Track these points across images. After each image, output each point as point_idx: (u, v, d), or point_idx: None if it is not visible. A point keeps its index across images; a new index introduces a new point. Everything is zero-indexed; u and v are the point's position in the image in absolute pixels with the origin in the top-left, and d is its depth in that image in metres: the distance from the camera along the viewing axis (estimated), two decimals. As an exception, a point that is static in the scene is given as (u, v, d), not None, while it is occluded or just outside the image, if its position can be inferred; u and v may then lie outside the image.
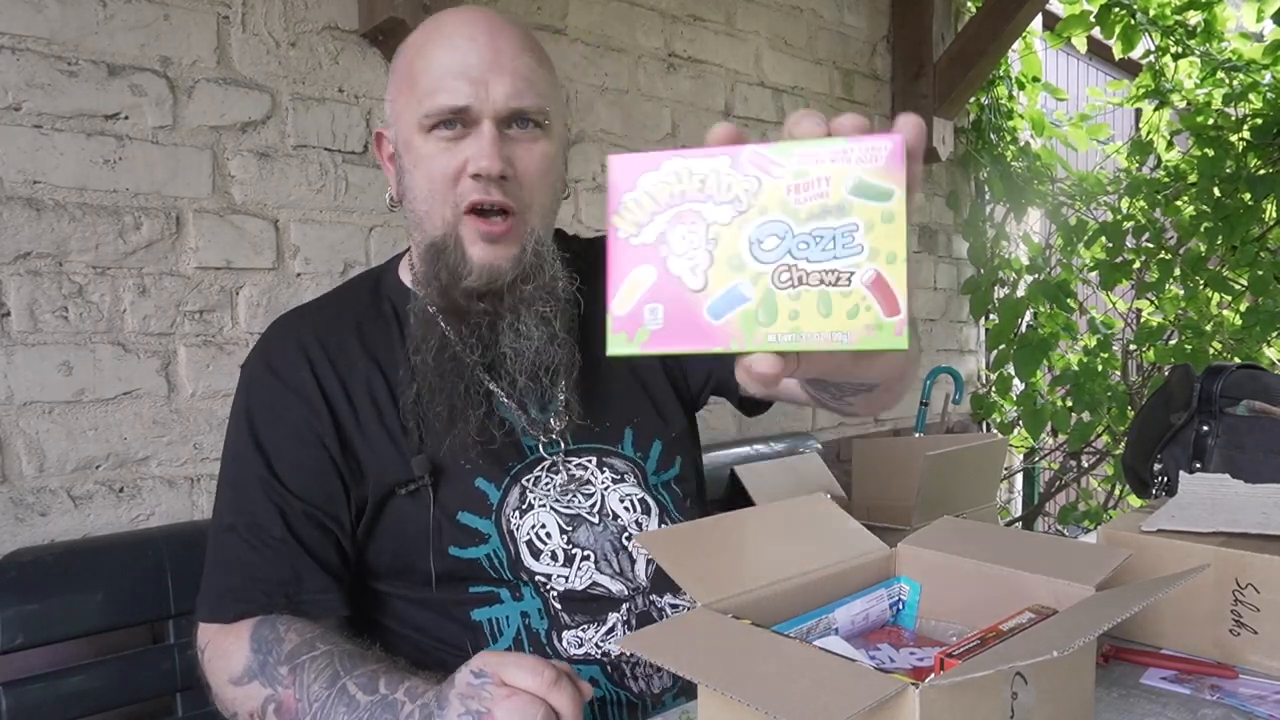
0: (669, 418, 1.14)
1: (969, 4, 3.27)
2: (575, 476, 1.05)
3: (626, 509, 1.05)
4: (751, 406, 1.23)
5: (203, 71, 1.56)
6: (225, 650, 0.93)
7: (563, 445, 1.05)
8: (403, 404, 1.00)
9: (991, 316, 3.43)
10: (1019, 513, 3.75)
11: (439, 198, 0.96)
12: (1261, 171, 2.90)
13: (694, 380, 1.20)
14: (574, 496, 1.03)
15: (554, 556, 1.00)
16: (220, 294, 1.59)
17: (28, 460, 1.40)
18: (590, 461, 1.06)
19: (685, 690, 1.01)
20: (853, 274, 0.51)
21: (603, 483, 1.06)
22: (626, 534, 1.04)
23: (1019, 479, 3.82)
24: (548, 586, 0.99)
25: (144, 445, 1.51)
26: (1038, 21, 3.42)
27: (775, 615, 0.78)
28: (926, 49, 3.03)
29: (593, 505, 1.04)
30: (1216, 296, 3.15)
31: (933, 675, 0.61)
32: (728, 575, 0.80)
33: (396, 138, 1.01)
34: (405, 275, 1.10)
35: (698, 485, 1.19)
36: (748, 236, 0.52)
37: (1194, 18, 3.14)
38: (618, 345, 0.53)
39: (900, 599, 0.89)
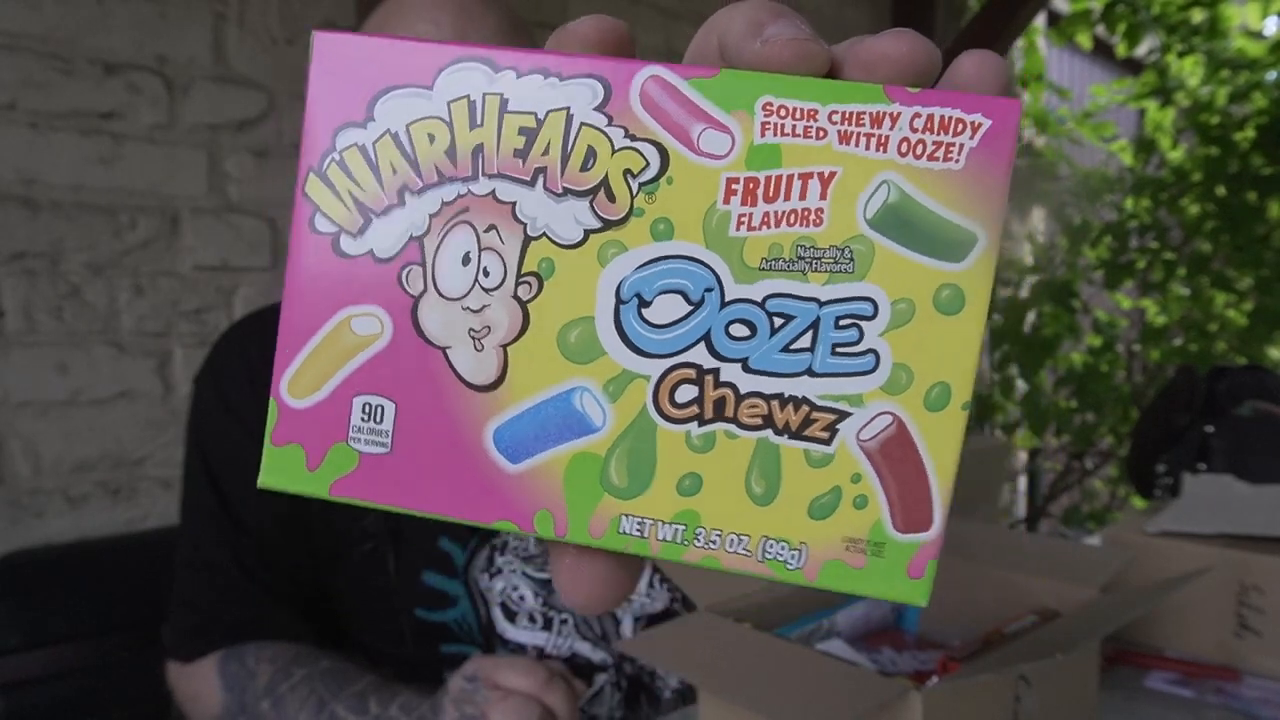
0: None
1: (971, 2, 3.27)
2: None
3: None
4: None
5: (199, 69, 1.55)
6: (195, 694, 0.89)
7: None
8: None
9: (995, 316, 3.43)
10: (1022, 514, 3.74)
11: None
12: (1267, 171, 2.89)
13: None
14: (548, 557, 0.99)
15: (532, 619, 0.94)
16: (217, 294, 1.58)
17: (23, 461, 1.39)
18: None
19: None
20: (843, 417, 0.24)
21: None
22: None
23: (1022, 480, 3.81)
24: (526, 654, 0.94)
25: (140, 446, 1.50)
26: (1041, 19, 3.41)
27: (777, 619, 0.78)
28: (928, 48, 3.02)
29: None
30: (1221, 296, 3.14)
31: (935, 679, 0.60)
32: (728, 577, 0.79)
33: None
34: None
35: None
36: (615, 283, 0.24)
37: (1198, 16, 3.13)
38: (277, 470, 0.27)
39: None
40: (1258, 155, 2.93)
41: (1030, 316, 3.33)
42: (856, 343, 0.24)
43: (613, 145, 0.24)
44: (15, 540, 1.38)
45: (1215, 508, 1.06)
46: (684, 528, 0.25)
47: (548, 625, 0.95)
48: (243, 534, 0.92)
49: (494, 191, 0.24)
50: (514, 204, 0.24)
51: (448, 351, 0.25)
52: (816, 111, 0.23)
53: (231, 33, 1.59)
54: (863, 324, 0.24)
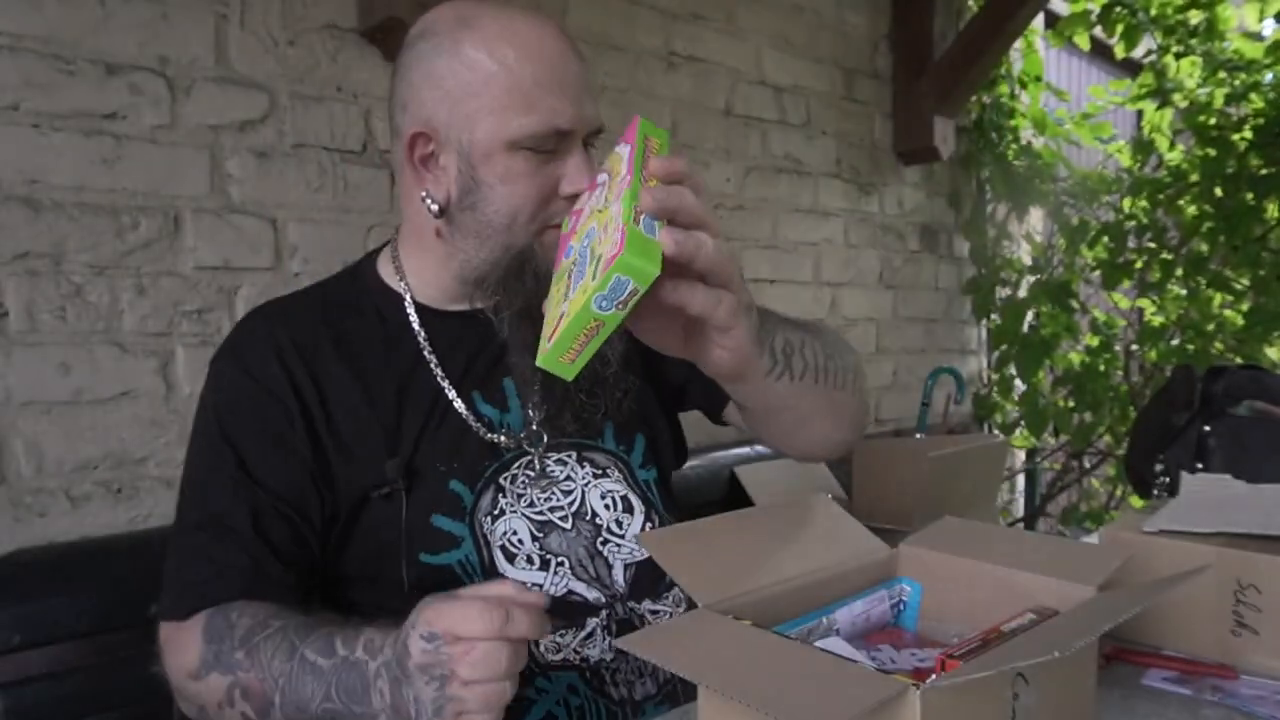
0: (651, 419, 1.13)
1: (970, 2, 3.27)
2: (551, 475, 1.02)
3: (607, 507, 1.03)
4: (718, 409, 1.20)
5: (201, 70, 1.56)
6: (180, 645, 0.90)
7: (544, 438, 1.03)
8: (379, 407, 0.99)
9: (993, 316, 3.43)
10: (1021, 513, 3.74)
11: (526, 216, 0.96)
12: (1263, 171, 2.90)
13: (669, 384, 1.17)
14: (551, 494, 1.01)
15: (529, 560, 0.98)
16: (218, 294, 1.58)
17: (26, 461, 1.40)
18: (570, 456, 1.04)
19: (669, 697, 0.99)
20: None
21: (583, 478, 1.04)
22: (602, 538, 1.01)
23: (1021, 480, 3.82)
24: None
25: (142, 445, 1.50)
26: (1039, 20, 3.42)
27: (776, 616, 0.78)
28: (928, 48, 3.02)
29: (571, 503, 1.02)
30: (1219, 297, 3.15)
31: (934, 676, 0.60)
32: (728, 576, 0.80)
33: (463, 145, 0.95)
34: (387, 274, 1.07)
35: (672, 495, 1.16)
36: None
37: (1196, 17, 3.14)
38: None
39: (901, 600, 0.89)
40: (1255, 156, 2.94)
41: (1029, 316, 3.33)
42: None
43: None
44: (18, 539, 1.39)
45: (1213, 507, 1.06)
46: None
47: (544, 566, 0.98)
48: (261, 491, 0.94)
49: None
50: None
51: None
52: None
53: (233, 34, 1.59)
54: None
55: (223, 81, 1.58)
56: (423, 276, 1.05)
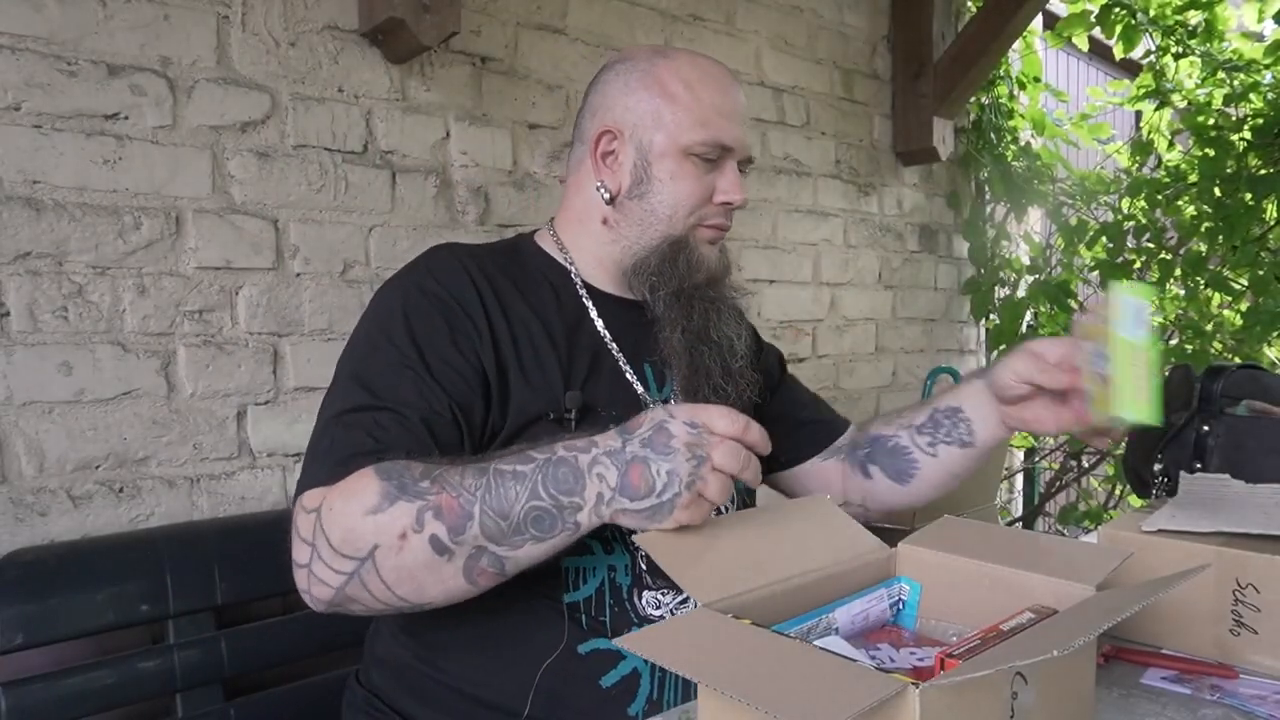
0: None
1: (969, 3, 3.27)
2: None
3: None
4: (787, 465, 1.35)
5: (202, 71, 1.56)
6: (351, 490, 0.88)
7: None
8: (557, 344, 1.08)
9: (992, 316, 3.43)
10: (1019, 513, 3.75)
11: (686, 211, 1.13)
12: (1262, 172, 2.90)
13: (768, 416, 1.25)
14: None
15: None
16: (220, 294, 1.59)
17: (27, 460, 1.40)
18: None
19: None
20: None
21: None
22: (717, 509, 1.03)
23: (1019, 479, 3.82)
24: (637, 546, 0.99)
25: (144, 445, 1.50)
26: (1038, 21, 3.42)
27: (775, 615, 0.78)
28: (927, 48, 3.02)
29: None
30: (1217, 297, 3.15)
31: (934, 675, 0.61)
32: (728, 575, 0.80)
33: (643, 144, 1.12)
34: (550, 249, 1.19)
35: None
36: None
37: (1195, 18, 3.14)
38: None
39: (900, 599, 0.89)
40: (1254, 156, 2.94)
41: (1027, 316, 3.34)
42: None
43: None
44: (19, 538, 1.39)
45: (1211, 506, 1.06)
46: None
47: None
48: (437, 384, 0.99)
49: None
50: None
51: None
52: None
53: (234, 34, 1.59)
54: None
55: (224, 82, 1.59)
56: (585, 257, 1.18)
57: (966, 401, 1.19)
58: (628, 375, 1.13)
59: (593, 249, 1.17)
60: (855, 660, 0.67)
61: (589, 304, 1.15)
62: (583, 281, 1.16)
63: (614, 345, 1.14)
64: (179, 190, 1.54)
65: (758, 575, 0.81)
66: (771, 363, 1.38)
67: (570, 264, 1.17)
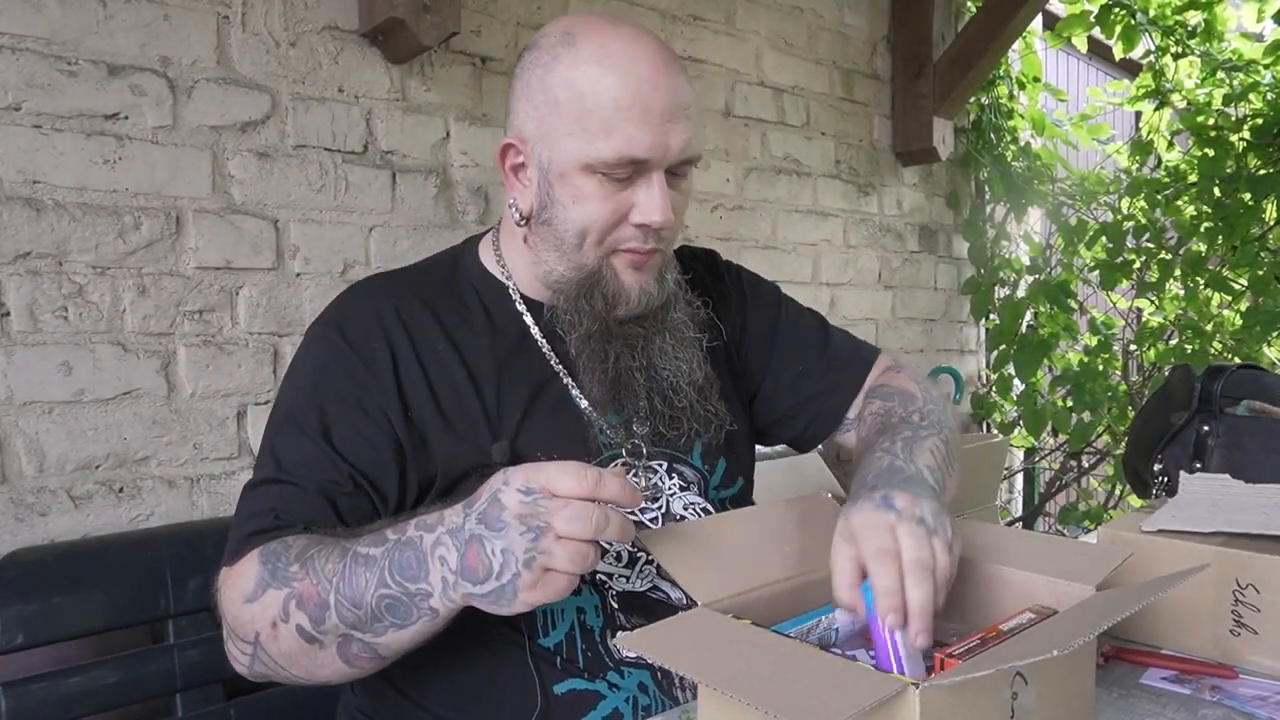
0: (736, 443, 1.14)
1: (969, 3, 3.27)
2: (647, 482, 1.04)
3: (690, 516, 1.04)
4: (814, 443, 1.24)
5: (202, 71, 1.56)
6: (235, 575, 0.88)
7: (644, 449, 1.04)
8: (483, 387, 0.99)
9: (992, 316, 3.43)
10: (1019, 513, 3.75)
11: (595, 238, 0.97)
12: (1262, 171, 2.90)
13: (761, 416, 1.21)
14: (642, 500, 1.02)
15: (617, 557, 0.99)
16: (220, 294, 1.59)
17: (27, 460, 1.40)
18: (660, 466, 1.06)
19: None
20: None
21: (669, 489, 1.05)
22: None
23: (1019, 479, 3.82)
24: (607, 585, 0.98)
25: (144, 445, 1.51)
26: (1038, 21, 3.42)
27: (775, 615, 0.79)
28: (926, 48, 3.03)
29: (659, 507, 1.03)
30: (1217, 296, 3.15)
31: (933, 675, 0.61)
32: (728, 575, 0.80)
33: (542, 160, 0.97)
34: (489, 261, 1.09)
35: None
36: None
37: (1194, 18, 3.14)
38: None
39: (900, 599, 0.89)
40: (1253, 156, 2.94)
41: (1027, 316, 3.34)
42: None
43: None
44: (20, 538, 1.39)
45: (1211, 506, 1.06)
46: None
47: (631, 563, 0.99)
48: (340, 459, 0.93)
49: None
50: None
51: None
52: None
53: (235, 35, 1.59)
54: None
55: (224, 82, 1.59)
56: (521, 272, 1.07)
57: None
58: (579, 402, 1.03)
59: (524, 267, 1.06)
60: (855, 660, 0.67)
61: (529, 321, 1.05)
62: (522, 296, 1.06)
63: (561, 367, 1.03)
64: (179, 190, 1.54)
65: (758, 576, 0.81)
66: (763, 330, 1.21)
67: (508, 278, 1.07)
